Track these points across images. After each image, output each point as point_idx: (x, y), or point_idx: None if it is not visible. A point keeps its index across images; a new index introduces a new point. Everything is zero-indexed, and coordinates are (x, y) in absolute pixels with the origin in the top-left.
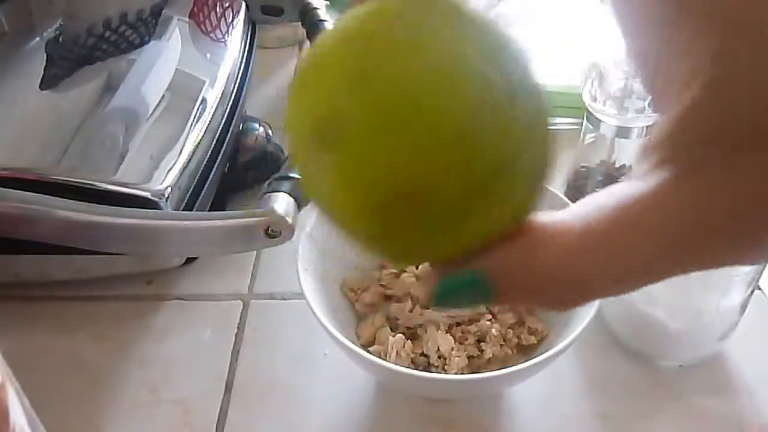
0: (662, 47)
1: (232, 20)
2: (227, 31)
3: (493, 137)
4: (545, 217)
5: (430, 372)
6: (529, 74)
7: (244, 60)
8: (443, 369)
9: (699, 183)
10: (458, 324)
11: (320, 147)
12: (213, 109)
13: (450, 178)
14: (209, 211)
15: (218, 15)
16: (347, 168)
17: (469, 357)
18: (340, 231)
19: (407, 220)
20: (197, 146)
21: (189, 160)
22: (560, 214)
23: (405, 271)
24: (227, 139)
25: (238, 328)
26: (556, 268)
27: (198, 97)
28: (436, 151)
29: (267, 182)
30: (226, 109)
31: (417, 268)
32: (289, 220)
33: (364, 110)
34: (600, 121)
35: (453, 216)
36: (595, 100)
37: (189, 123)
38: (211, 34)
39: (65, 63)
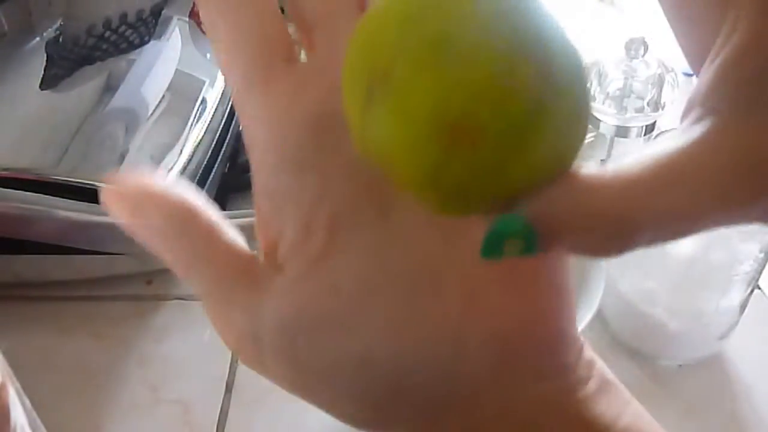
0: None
1: None
2: None
3: (535, 76)
4: (591, 166)
5: None
6: (563, 32)
7: None
8: None
9: (748, 127)
10: None
11: (371, 101)
12: (213, 109)
13: (493, 111)
14: None
15: None
16: (396, 110)
17: None
18: (395, 181)
19: (455, 155)
20: (197, 146)
21: (189, 161)
22: (606, 167)
23: None
24: (227, 139)
25: None
26: (606, 209)
27: (198, 97)
28: (476, 83)
29: None
30: (227, 109)
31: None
32: None
33: (405, 54)
34: (599, 120)
35: (499, 152)
36: (594, 99)
37: (189, 123)
38: None
39: (65, 63)
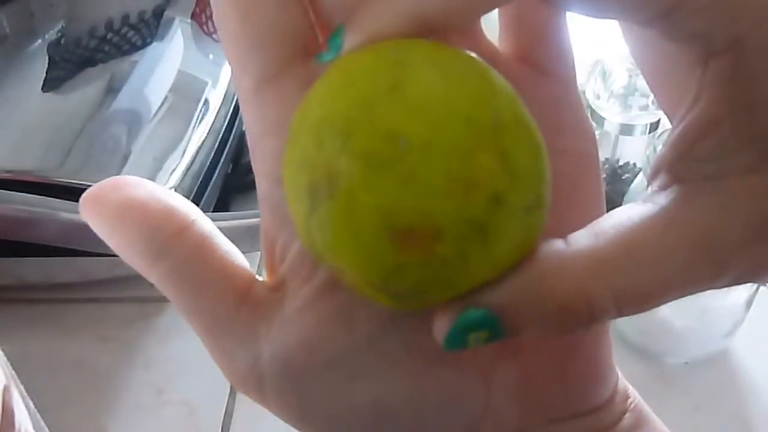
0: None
1: None
2: None
3: (491, 167)
4: (553, 244)
5: None
6: (517, 103)
7: None
8: None
9: (711, 200)
10: None
11: (315, 201)
12: (216, 110)
13: (447, 212)
14: (213, 212)
15: None
16: (342, 215)
17: None
18: (346, 283)
19: (408, 261)
20: (200, 147)
21: (192, 162)
22: (568, 238)
23: None
24: (230, 139)
25: None
26: (568, 296)
27: (201, 98)
28: (428, 184)
29: None
30: (229, 109)
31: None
32: None
33: (350, 153)
34: (603, 118)
35: (457, 253)
36: (598, 97)
37: (192, 124)
38: (213, 35)
39: (67, 65)
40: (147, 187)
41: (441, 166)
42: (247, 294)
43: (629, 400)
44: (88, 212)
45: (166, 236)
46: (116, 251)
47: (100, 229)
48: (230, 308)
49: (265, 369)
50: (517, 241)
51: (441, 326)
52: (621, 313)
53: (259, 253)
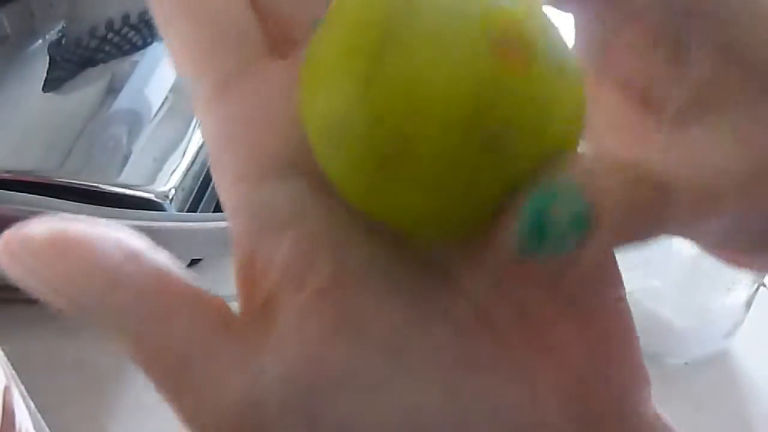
0: None
1: None
2: None
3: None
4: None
5: None
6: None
7: None
8: None
9: None
10: None
11: (379, 59)
12: None
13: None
14: (213, 212)
15: None
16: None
17: None
18: (413, 155)
19: (507, 67)
20: (201, 147)
21: (193, 161)
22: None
23: None
24: None
25: None
26: (661, 179)
27: None
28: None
29: None
30: None
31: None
32: None
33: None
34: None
35: (543, 80)
36: None
37: (192, 124)
38: None
39: (68, 65)
40: (81, 220)
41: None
42: (227, 315)
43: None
44: (4, 252)
45: (115, 263)
46: (45, 292)
47: (22, 266)
48: (211, 332)
49: (265, 394)
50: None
51: (510, 217)
52: (690, 216)
53: None
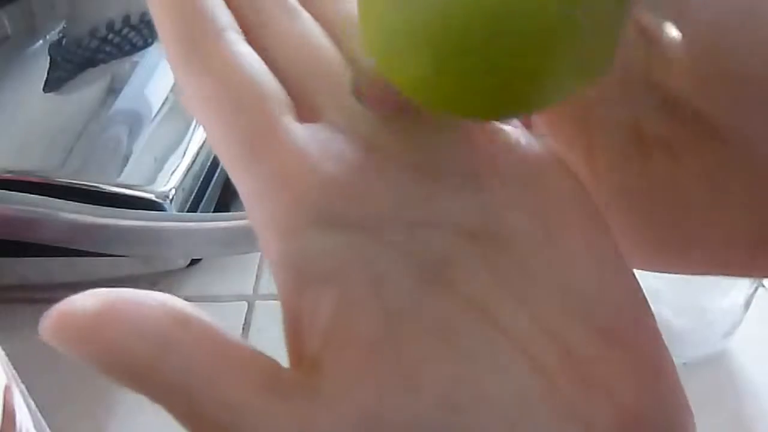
0: None
1: None
2: None
3: None
4: None
5: None
6: None
7: None
8: None
9: None
10: None
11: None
12: None
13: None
14: (213, 212)
15: None
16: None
17: None
18: (427, 96)
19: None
20: (201, 147)
21: (193, 162)
22: None
23: None
24: None
25: (243, 329)
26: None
27: None
28: None
29: None
30: None
31: None
32: None
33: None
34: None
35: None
36: None
37: (193, 124)
38: None
39: (68, 66)
40: (128, 290)
41: None
42: (277, 373)
43: None
44: (53, 327)
45: (164, 328)
46: (97, 364)
47: (72, 341)
48: (262, 392)
49: None
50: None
51: None
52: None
53: (259, 253)
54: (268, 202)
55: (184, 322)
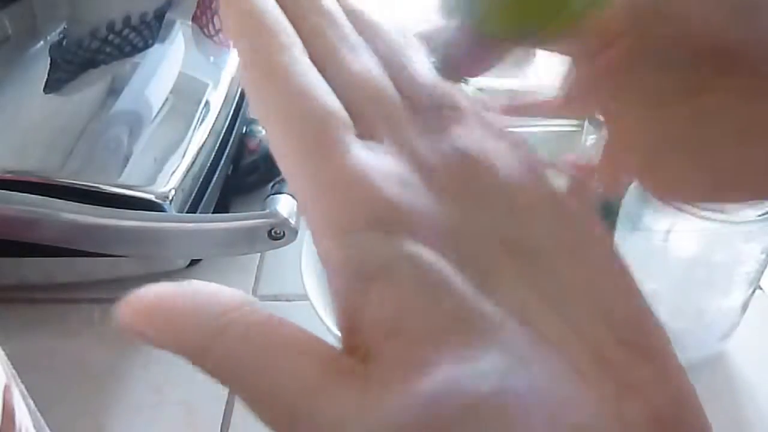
0: None
1: None
2: None
3: None
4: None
5: None
6: None
7: None
8: None
9: None
10: None
11: None
12: (217, 112)
13: None
14: (213, 213)
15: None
16: None
17: None
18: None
19: None
20: (201, 149)
21: (193, 163)
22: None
23: None
24: (231, 141)
25: None
26: None
27: (201, 99)
28: None
29: (270, 184)
30: (230, 111)
31: None
32: (293, 221)
33: None
34: (602, 122)
35: None
36: None
37: (193, 125)
38: (215, 38)
39: (69, 67)
40: (186, 282)
41: None
42: (335, 358)
43: None
44: (127, 313)
45: (220, 311)
46: (160, 343)
47: (139, 322)
48: (320, 375)
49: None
50: None
51: None
52: None
53: (259, 254)
54: (329, 204)
55: (240, 307)
